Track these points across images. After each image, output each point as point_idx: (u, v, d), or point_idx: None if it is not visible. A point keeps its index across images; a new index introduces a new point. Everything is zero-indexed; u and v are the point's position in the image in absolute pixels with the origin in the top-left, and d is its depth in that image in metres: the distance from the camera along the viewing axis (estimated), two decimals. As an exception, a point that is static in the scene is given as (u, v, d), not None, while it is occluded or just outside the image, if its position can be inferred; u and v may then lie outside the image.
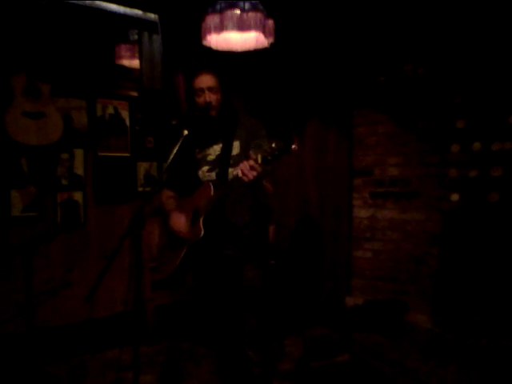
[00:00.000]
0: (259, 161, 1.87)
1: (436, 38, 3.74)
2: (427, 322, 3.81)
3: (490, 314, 3.47)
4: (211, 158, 2.28)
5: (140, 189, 3.72)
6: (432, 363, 3.14)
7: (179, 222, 2.24)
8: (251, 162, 1.90)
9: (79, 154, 3.44)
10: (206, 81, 2.18)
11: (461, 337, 3.51)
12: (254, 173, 1.90)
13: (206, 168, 2.29)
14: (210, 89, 2.18)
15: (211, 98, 2.19)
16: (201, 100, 2.20)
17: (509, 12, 3.33)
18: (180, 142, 2.07)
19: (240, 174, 1.93)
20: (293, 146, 1.82)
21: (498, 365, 3.06)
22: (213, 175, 2.26)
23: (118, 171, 3.63)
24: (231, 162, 2.22)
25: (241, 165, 1.94)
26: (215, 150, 2.27)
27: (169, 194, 2.39)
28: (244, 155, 2.19)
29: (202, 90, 2.18)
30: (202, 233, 2.11)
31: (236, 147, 2.24)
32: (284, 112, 4.31)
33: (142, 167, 3.75)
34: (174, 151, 2.05)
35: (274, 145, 1.84)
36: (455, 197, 3.66)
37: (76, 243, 3.43)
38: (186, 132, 2.09)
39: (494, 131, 3.50)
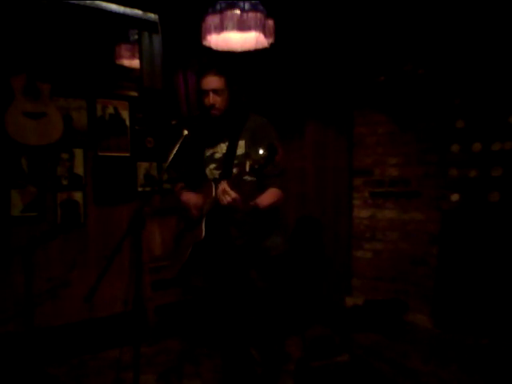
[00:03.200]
0: (247, 169, 1.89)
1: (436, 39, 3.74)
2: (427, 322, 3.81)
3: (490, 314, 3.47)
4: (218, 156, 2.29)
5: (140, 189, 3.72)
6: (432, 363, 3.13)
7: (192, 195, 2.28)
8: (224, 186, 1.98)
9: (79, 153, 3.44)
10: (210, 83, 2.19)
11: (461, 337, 3.51)
12: (228, 198, 1.97)
13: (212, 166, 2.30)
14: (214, 91, 2.19)
15: (215, 99, 2.19)
16: (205, 101, 2.21)
17: (508, 12, 3.33)
18: (180, 141, 2.07)
19: (217, 196, 2.01)
20: (277, 157, 1.85)
21: (498, 365, 3.06)
22: (218, 174, 2.27)
23: (118, 171, 3.63)
24: (235, 161, 2.22)
25: (218, 187, 2.02)
26: (222, 149, 2.29)
27: (182, 184, 2.42)
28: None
29: (206, 91, 2.19)
30: (204, 234, 2.12)
31: (241, 147, 2.24)
32: (284, 112, 4.31)
33: (142, 167, 3.75)
34: (174, 151, 2.05)
35: (261, 153, 1.85)
36: (455, 197, 3.66)
37: (76, 243, 3.42)
38: (185, 132, 2.09)
39: (494, 131, 3.50)
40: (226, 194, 1.98)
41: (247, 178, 2.07)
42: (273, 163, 1.86)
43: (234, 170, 2.19)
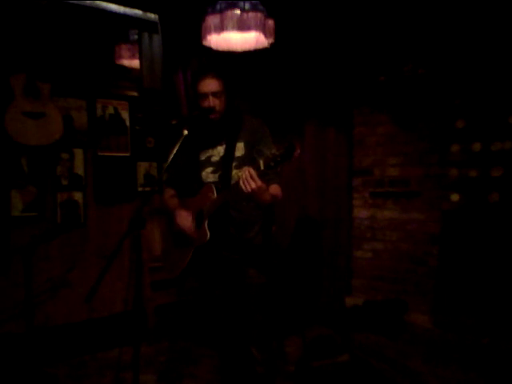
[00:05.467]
0: (262, 167, 1.87)
1: (436, 39, 3.74)
2: (427, 321, 3.81)
3: (490, 314, 3.47)
4: (215, 159, 2.27)
5: (140, 189, 3.72)
6: (432, 363, 3.14)
7: (185, 220, 2.23)
8: (252, 171, 1.87)
9: (79, 153, 3.44)
10: (209, 85, 2.17)
11: (461, 337, 3.51)
12: (253, 185, 1.87)
13: (209, 169, 2.28)
14: (213, 94, 2.18)
15: (215, 102, 2.18)
16: (205, 104, 2.19)
17: (508, 12, 3.33)
18: (180, 142, 2.06)
19: (241, 183, 1.91)
20: (295, 153, 1.81)
21: (498, 365, 3.06)
22: (216, 177, 2.25)
23: (118, 171, 3.62)
24: (235, 163, 2.21)
25: (242, 173, 1.91)
26: (219, 152, 2.27)
27: (171, 192, 2.39)
28: (248, 156, 2.20)
29: (205, 94, 2.18)
30: (208, 236, 2.11)
31: (240, 148, 2.23)
32: (284, 112, 4.31)
33: (142, 167, 3.75)
34: (174, 151, 2.04)
35: (275, 151, 1.83)
36: (455, 197, 3.66)
37: (76, 243, 3.42)
38: (185, 132, 2.08)
39: (494, 131, 3.50)
40: (253, 180, 1.87)
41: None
42: (290, 160, 1.82)
43: (234, 172, 2.19)
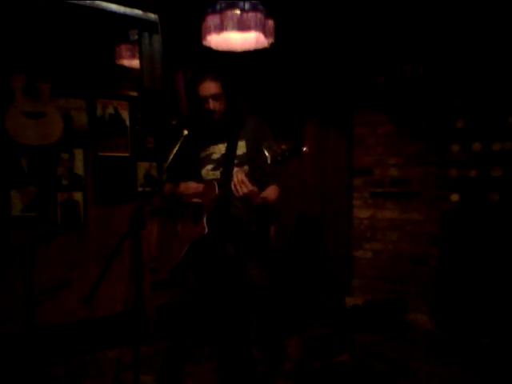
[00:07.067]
0: (269, 161, 1.88)
1: (436, 39, 3.74)
2: (427, 322, 3.81)
3: (490, 314, 3.47)
4: (216, 156, 2.29)
5: (140, 189, 3.72)
6: (432, 363, 3.13)
7: (191, 185, 2.24)
8: (242, 177, 1.93)
9: (79, 153, 3.44)
10: (209, 89, 2.19)
11: (461, 337, 3.51)
12: (245, 189, 1.93)
13: (210, 167, 2.30)
14: (213, 97, 2.20)
15: (215, 105, 2.21)
16: (205, 107, 2.22)
17: (508, 12, 3.33)
18: (180, 141, 2.07)
19: (232, 187, 1.96)
20: (304, 149, 1.84)
21: (498, 365, 3.06)
22: (217, 174, 2.27)
23: (118, 171, 3.62)
24: (236, 161, 2.23)
25: (234, 177, 1.97)
26: (220, 149, 2.29)
27: (171, 186, 2.40)
28: (250, 155, 2.21)
29: (205, 98, 2.20)
30: (206, 230, 2.12)
31: (241, 147, 2.25)
32: (284, 112, 4.31)
33: (142, 167, 3.75)
34: (174, 151, 2.05)
35: (284, 146, 1.85)
36: (455, 197, 3.66)
37: (76, 243, 3.42)
38: (185, 132, 2.09)
39: (494, 131, 3.50)
40: (244, 184, 1.94)
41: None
42: (298, 155, 1.86)
43: (235, 170, 2.20)
